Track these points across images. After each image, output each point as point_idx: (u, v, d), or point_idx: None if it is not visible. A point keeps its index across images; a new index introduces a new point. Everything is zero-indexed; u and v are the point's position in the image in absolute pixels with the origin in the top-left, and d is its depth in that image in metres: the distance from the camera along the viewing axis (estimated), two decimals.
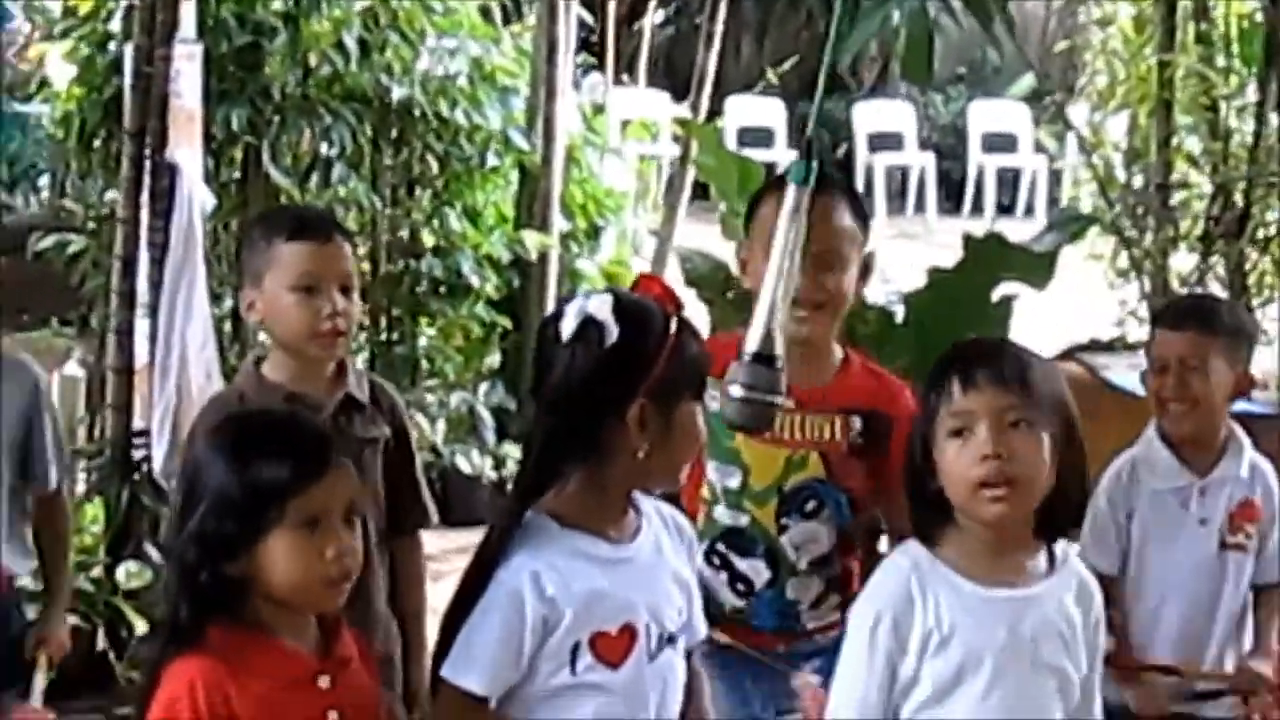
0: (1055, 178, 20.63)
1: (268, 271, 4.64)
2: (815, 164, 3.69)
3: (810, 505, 4.63)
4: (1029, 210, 20.87)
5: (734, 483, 4.61)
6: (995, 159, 21.67)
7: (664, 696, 3.84)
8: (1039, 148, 20.94)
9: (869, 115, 21.80)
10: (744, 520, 4.65)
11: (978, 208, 21.16)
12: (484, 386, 10.31)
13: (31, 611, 4.88)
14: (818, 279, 4.56)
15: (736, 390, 3.34)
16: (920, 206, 21.23)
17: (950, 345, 3.84)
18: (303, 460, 3.51)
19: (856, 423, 4.66)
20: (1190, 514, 4.95)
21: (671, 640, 3.84)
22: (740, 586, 4.63)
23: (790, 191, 3.54)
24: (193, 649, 3.47)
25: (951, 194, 21.59)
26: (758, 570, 4.66)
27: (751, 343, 3.36)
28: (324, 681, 3.58)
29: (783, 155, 20.71)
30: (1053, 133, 20.27)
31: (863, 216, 4.75)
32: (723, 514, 4.63)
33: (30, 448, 4.47)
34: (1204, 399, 4.97)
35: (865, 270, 4.72)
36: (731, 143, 19.66)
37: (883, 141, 21.66)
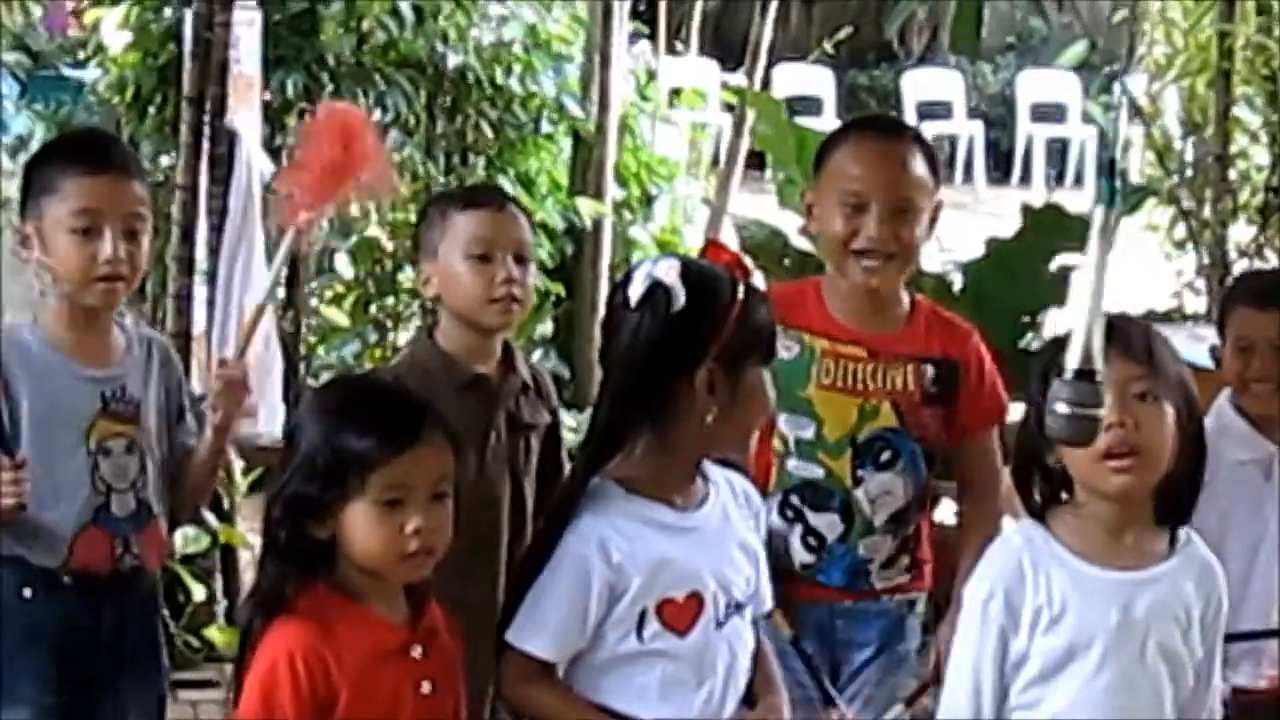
0: (1104, 148, 20.55)
1: (442, 242, 4.61)
2: (1119, 184, 3.65)
3: (885, 456, 4.62)
4: (1078, 180, 20.75)
5: (807, 434, 4.60)
6: (1044, 129, 21.57)
7: (731, 665, 3.84)
8: (1088, 118, 20.87)
9: (918, 84, 21.75)
10: (819, 472, 4.63)
11: (1025, 178, 21.08)
12: (537, 354, 10.29)
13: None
14: (891, 228, 4.56)
15: (1062, 408, 3.31)
16: (969, 176, 21.14)
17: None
18: (390, 434, 3.51)
19: (929, 370, 4.65)
20: (1273, 483, 4.92)
21: (739, 608, 3.84)
22: (812, 541, 4.61)
23: (1098, 212, 3.50)
24: (285, 614, 3.48)
25: (999, 164, 21.55)
26: (832, 524, 4.63)
27: (1072, 360, 3.33)
28: (416, 652, 3.59)
29: (830, 124, 20.68)
30: (1102, 103, 20.25)
31: (934, 166, 4.74)
32: (797, 466, 4.61)
33: (170, 414, 4.48)
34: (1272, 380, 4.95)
35: (934, 219, 4.71)
36: (784, 112, 19.69)
37: (931, 110, 21.54)
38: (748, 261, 3.98)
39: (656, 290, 3.74)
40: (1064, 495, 3.75)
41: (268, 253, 7.57)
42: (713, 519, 3.86)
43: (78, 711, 4.31)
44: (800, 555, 4.64)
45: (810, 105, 20.73)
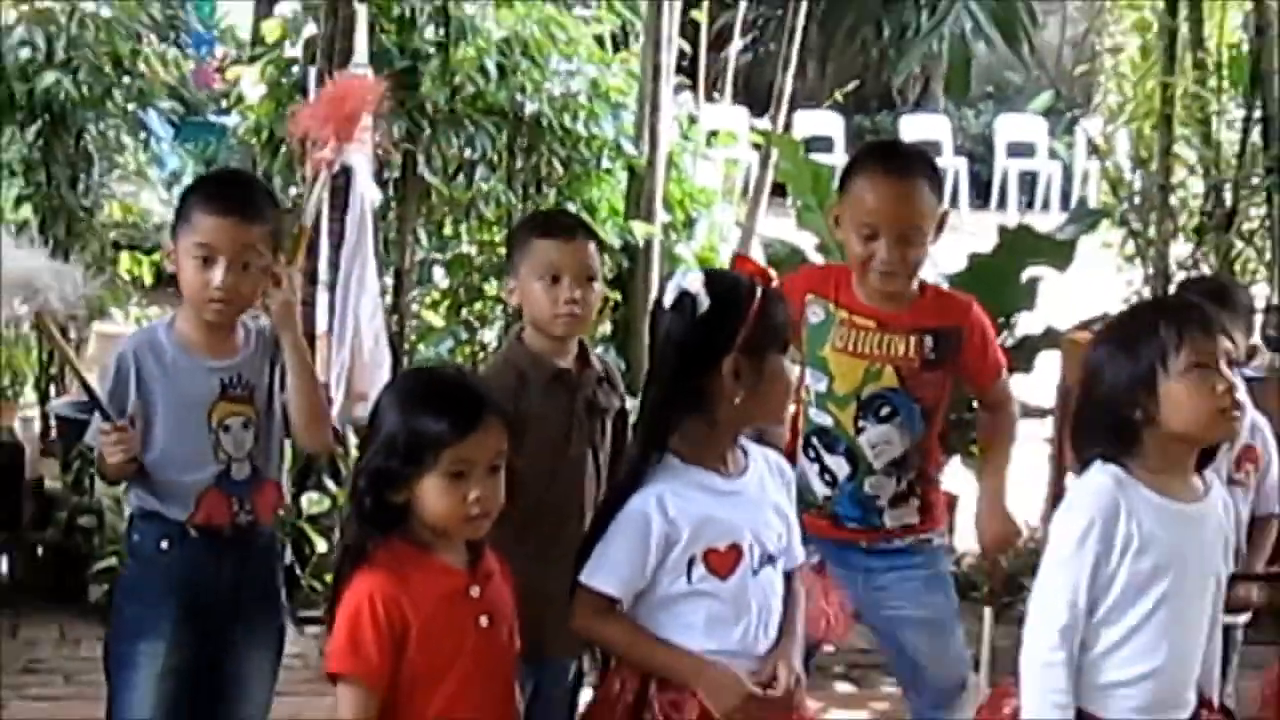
0: (1067, 179, 20.57)
1: (523, 263, 4.65)
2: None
3: (885, 411, 4.71)
4: (1045, 206, 20.79)
5: (821, 387, 4.70)
6: (1017, 163, 21.64)
7: (765, 606, 3.89)
8: (1054, 154, 20.89)
9: (912, 126, 21.71)
10: (829, 420, 4.72)
11: (1002, 204, 21.12)
12: (599, 349, 10.29)
13: None
14: (899, 251, 4.62)
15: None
16: (955, 202, 21.05)
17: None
18: (457, 419, 3.55)
19: (929, 341, 4.73)
20: None
21: (772, 560, 3.89)
22: (827, 477, 4.72)
23: None
24: (367, 564, 3.51)
25: (980, 192, 21.52)
26: (840, 465, 4.75)
27: None
28: (475, 592, 3.62)
29: (840, 159, 20.68)
30: (1066, 142, 20.22)
31: (938, 187, 4.78)
32: (814, 414, 4.72)
33: (272, 382, 4.51)
34: None
35: (940, 226, 4.77)
36: (801, 150, 19.66)
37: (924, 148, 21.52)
38: (770, 271, 4.02)
39: (684, 298, 3.83)
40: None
41: (379, 268, 7.61)
42: (751, 486, 3.92)
43: (206, 642, 4.35)
44: (820, 489, 4.77)
45: (823, 144, 20.66)
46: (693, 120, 11.63)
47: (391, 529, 3.56)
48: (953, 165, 21.32)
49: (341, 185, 7.42)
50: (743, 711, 3.75)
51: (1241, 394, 3.68)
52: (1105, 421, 3.74)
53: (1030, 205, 20.98)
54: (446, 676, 3.56)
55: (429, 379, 4.04)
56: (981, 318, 4.88)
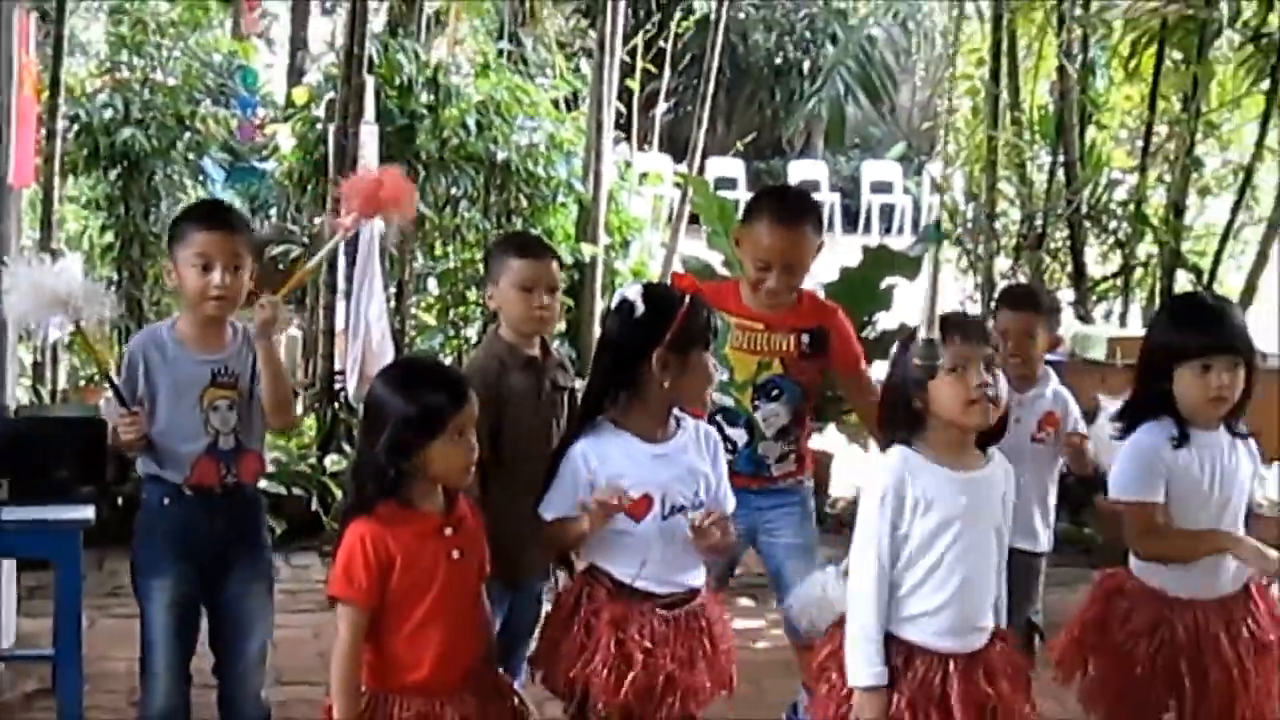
0: (916, 210, 20.65)
1: (501, 276, 4.62)
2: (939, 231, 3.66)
3: (774, 392, 4.72)
4: (900, 231, 20.78)
5: (725, 377, 4.62)
6: (878, 198, 21.62)
7: (672, 546, 3.88)
8: (906, 191, 20.99)
9: (798, 169, 21.72)
10: (730, 402, 4.72)
11: (866, 229, 21.03)
12: (555, 343, 10.28)
13: None
14: (785, 279, 4.66)
15: (920, 360, 3.53)
16: (830, 229, 21.04)
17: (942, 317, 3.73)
18: (454, 393, 3.55)
19: (805, 338, 4.75)
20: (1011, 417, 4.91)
21: (682, 510, 3.87)
22: (729, 445, 4.65)
23: (926, 249, 3.59)
24: (366, 515, 3.51)
25: (850, 221, 21.41)
26: (740, 435, 4.73)
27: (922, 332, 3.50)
28: (449, 531, 3.61)
29: (743, 194, 20.72)
30: (915, 181, 20.30)
31: (819, 222, 4.81)
32: (720, 398, 4.68)
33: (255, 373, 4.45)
34: (1029, 356, 4.97)
35: (818, 253, 4.80)
36: (711, 188, 19.65)
37: (806, 187, 21.53)
38: (699, 284, 4.05)
39: (625, 304, 3.90)
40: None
41: (384, 280, 7.60)
42: (674, 449, 3.92)
43: (203, 578, 4.32)
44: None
45: (729, 183, 20.70)
46: (628, 165, 11.63)
47: (392, 492, 3.54)
48: (828, 200, 21.39)
49: None
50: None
51: (999, 389, 3.65)
52: (899, 410, 3.77)
53: (888, 231, 20.95)
54: (424, 598, 3.55)
55: (421, 367, 4.03)
56: (844, 320, 4.91)
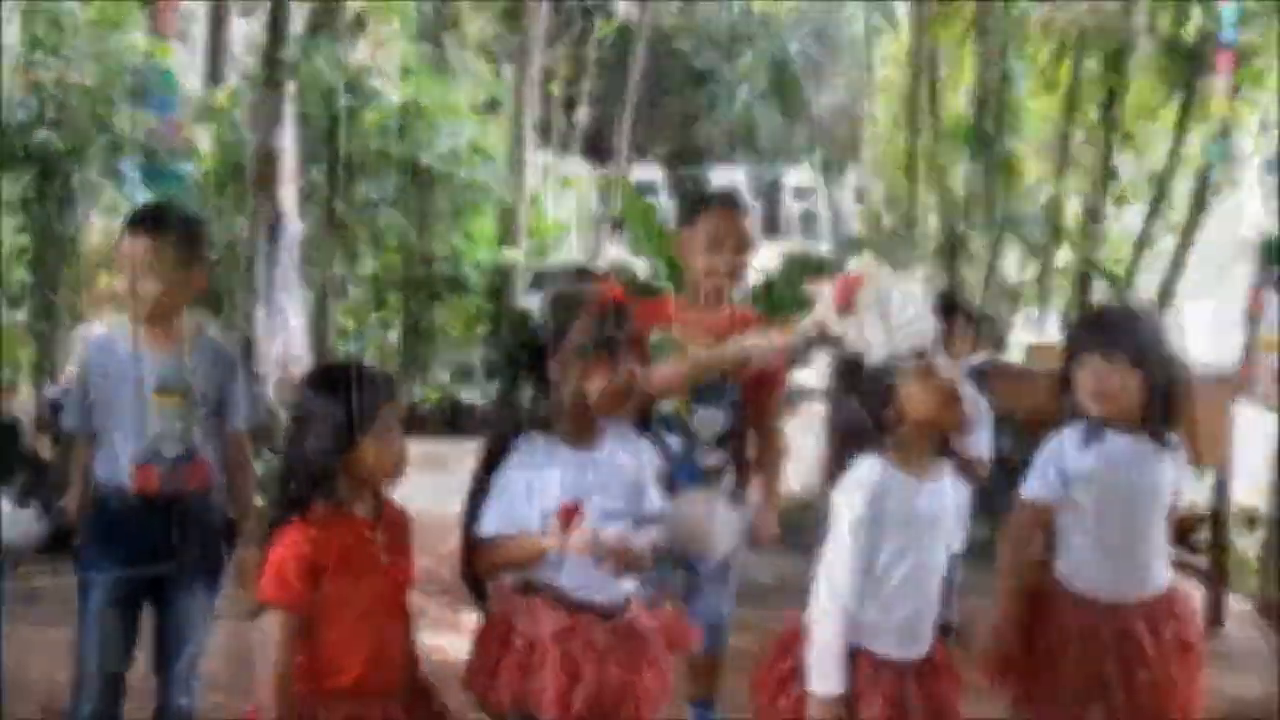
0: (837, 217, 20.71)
1: None
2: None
3: (710, 396, 4.62)
4: (820, 236, 20.85)
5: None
6: (798, 205, 21.65)
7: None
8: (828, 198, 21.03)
9: (719, 175, 21.71)
10: (670, 408, 4.64)
11: (788, 234, 21.08)
12: (478, 346, 10.29)
13: None
14: (734, 260, 4.58)
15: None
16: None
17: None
18: (382, 387, 3.52)
19: None
20: None
21: (612, 516, 3.79)
22: (666, 454, 4.60)
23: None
24: (296, 518, 3.45)
25: (772, 226, 21.43)
26: (676, 442, 4.64)
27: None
28: (379, 537, 3.56)
29: (664, 201, 20.76)
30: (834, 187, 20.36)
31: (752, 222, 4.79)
32: (660, 405, 4.62)
33: (223, 400, 4.35)
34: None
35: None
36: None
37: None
38: (620, 290, 3.93)
39: (526, 312, 3.80)
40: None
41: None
42: (602, 456, 3.79)
43: (147, 583, 4.23)
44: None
45: (649, 188, 20.73)
46: (547, 170, 11.64)
47: (322, 492, 3.50)
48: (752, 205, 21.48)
49: (274, 218, 7.35)
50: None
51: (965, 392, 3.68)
52: (864, 428, 3.74)
53: (811, 235, 21.00)
54: (355, 600, 3.50)
55: (346, 369, 3.97)
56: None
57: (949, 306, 5.08)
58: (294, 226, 7.68)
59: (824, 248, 11.70)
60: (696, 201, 4.86)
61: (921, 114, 8.74)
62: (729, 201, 4.82)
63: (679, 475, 4.55)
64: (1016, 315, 8.45)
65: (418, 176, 9.79)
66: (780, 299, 7.85)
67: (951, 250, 8.59)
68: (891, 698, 3.65)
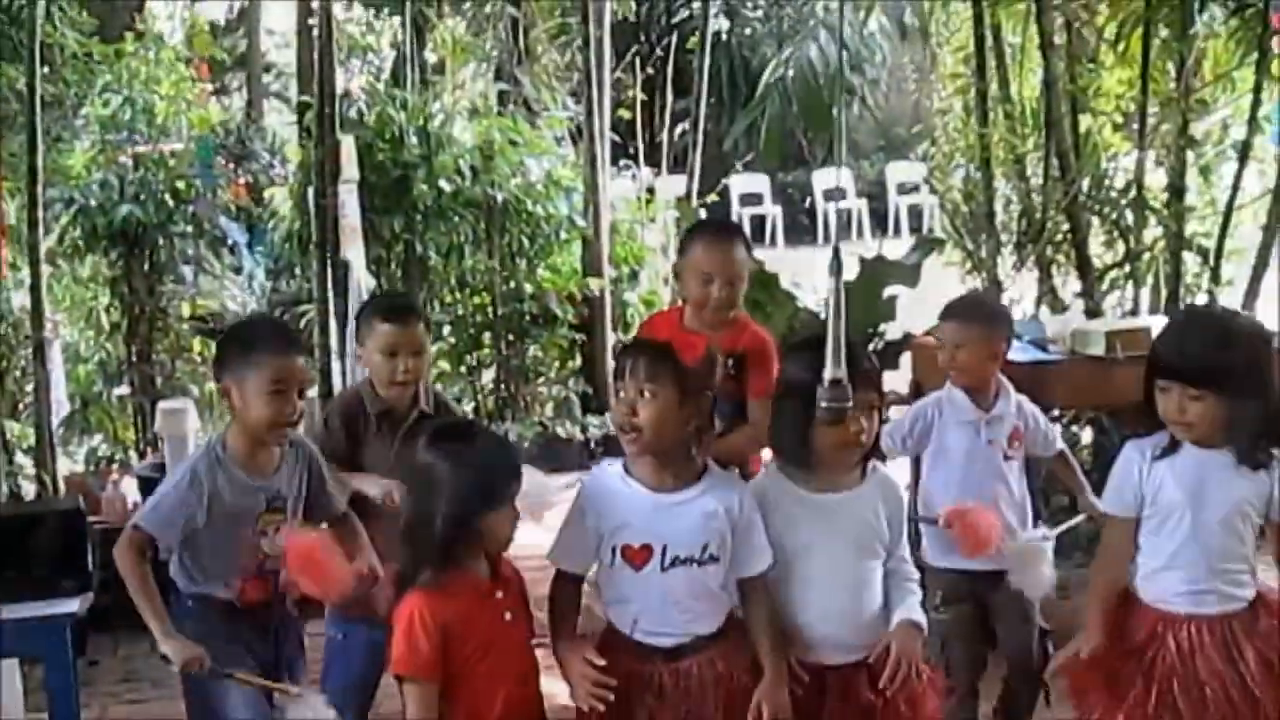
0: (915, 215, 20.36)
1: (369, 339, 4.62)
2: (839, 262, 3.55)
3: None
4: (930, 230, 20.36)
5: None
6: (905, 199, 21.26)
7: (673, 596, 3.73)
8: (933, 190, 20.55)
9: (822, 178, 21.46)
10: None
11: (897, 232, 20.64)
12: (572, 380, 10.24)
13: None
14: (727, 292, 4.63)
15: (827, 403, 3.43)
16: (860, 235, 20.87)
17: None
18: (513, 461, 3.65)
19: (730, 360, 4.59)
20: (981, 435, 4.78)
21: (686, 562, 3.71)
22: None
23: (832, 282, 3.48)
24: (421, 585, 3.45)
25: (879, 224, 20.99)
26: None
27: (828, 373, 3.40)
28: (499, 594, 3.56)
29: (769, 209, 20.62)
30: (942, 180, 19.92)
31: (749, 247, 4.85)
32: None
33: (310, 501, 4.34)
34: (976, 371, 4.79)
35: (749, 271, 4.83)
36: (736, 204, 19.56)
37: (832, 195, 21.33)
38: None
39: None
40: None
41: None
42: (685, 499, 3.74)
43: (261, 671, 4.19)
44: None
45: (754, 199, 20.61)
46: (651, 192, 11.62)
47: (442, 561, 3.48)
48: (855, 206, 21.17)
49: (341, 275, 7.36)
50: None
51: (871, 433, 3.77)
52: (789, 436, 3.82)
53: (918, 231, 20.53)
54: (483, 662, 3.48)
55: (477, 433, 3.85)
56: (771, 353, 4.76)
57: (971, 314, 4.86)
58: (363, 280, 7.69)
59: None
60: (689, 232, 4.90)
61: (992, 100, 8.53)
62: (718, 233, 4.89)
63: None
64: (1107, 299, 8.19)
65: (495, 215, 9.78)
66: (862, 305, 7.72)
67: (1033, 237, 8.38)
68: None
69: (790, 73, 17.19)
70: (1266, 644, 3.86)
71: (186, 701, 4.24)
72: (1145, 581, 3.93)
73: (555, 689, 3.77)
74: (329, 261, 7.29)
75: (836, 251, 3.52)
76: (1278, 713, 3.83)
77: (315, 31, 8.19)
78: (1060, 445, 4.99)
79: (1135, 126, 8.42)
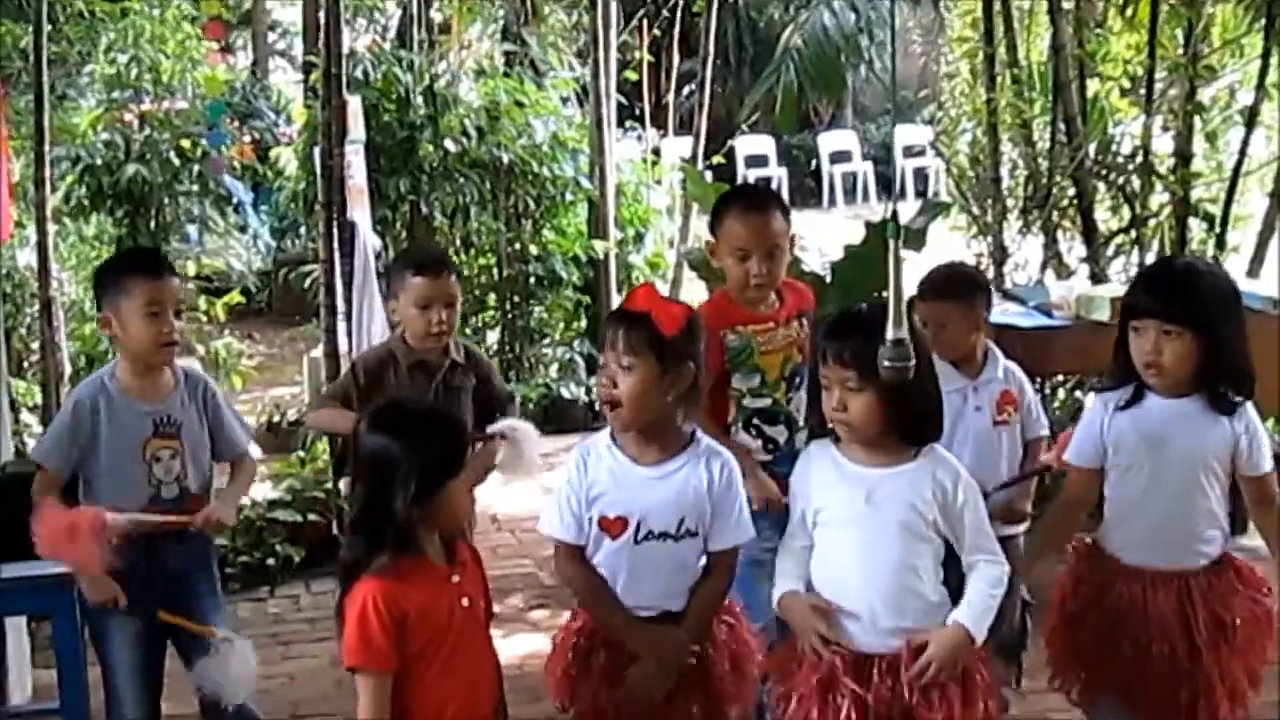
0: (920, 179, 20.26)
1: (401, 293, 4.65)
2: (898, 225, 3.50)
3: (798, 380, 4.57)
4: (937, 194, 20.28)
5: (755, 382, 4.55)
6: (911, 162, 21.15)
7: (645, 569, 3.70)
8: (939, 154, 20.42)
9: (829, 141, 21.45)
10: (768, 402, 4.56)
11: (903, 196, 20.50)
12: (576, 342, 10.23)
13: None
14: (767, 266, 4.49)
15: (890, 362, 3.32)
16: (865, 199, 20.86)
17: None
18: (459, 429, 3.58)
19: (804, 322, 4.63)
20: (969, 403, 4.70)
21: (660, 536, 3.67)
22: (769, 446, 4.56)
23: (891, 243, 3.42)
24: (373, 572, 3.31)
25: (886, 188, 20.90)
26: (780, 432, 4.58)
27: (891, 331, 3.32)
28: (455, 578, 3.44)
29: (775, 171, 20.56)
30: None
31: (787, 214, 4.65)
32: (751, 402, 4.55)
33: (212, 435, 4.39)
34: (959, 343, 4.68)
35: (792, 245, 4.66)
36: (741, 166, 19.51)
37: (838, 157, 21.32)
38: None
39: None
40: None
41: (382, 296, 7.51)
42: (669, 473, 3.69)
43: (157, 609, 4.21)
44: (761, 456, 4.55)
45: (759, 160, 20.55)
46: (657, 153, 11.52)
47: (396, 544, 3.33)
48: (862, 169, 21.14)
49: (348, 236, 7.33)
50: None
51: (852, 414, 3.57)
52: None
53: (924, 194, 20.43)
54: (440, 651, 3.35)
55: (415, 409, 3.80)
56: (813, 300, 4.81)
57: (950, 287, 4.80)
58: (369, 240, 7.67)
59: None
60: (719, 204, 4.75)
61: (1000, 65, 8.49)
62: (751, 202, 4.69)
63: (781, 465, 4.44)
64: (1112, 265, 8.18)
65: (502, 176, 9.75)
66: (869, 270, 7.68)
67: (1040, 202, 8.36)
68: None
69: (802, 38, 17.07)
70: (1223, 605, 3.84)
71: (88, 631, 4.36)
72: (1107, 532, 3.97)
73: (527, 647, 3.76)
74: (335, 222, 7.25)
75: (895, 215, 3.49)
76: (1221, 676, 3.84)
77: None
78: (1044, 431, 4.89)
79: (1143, 92, 8.38)
